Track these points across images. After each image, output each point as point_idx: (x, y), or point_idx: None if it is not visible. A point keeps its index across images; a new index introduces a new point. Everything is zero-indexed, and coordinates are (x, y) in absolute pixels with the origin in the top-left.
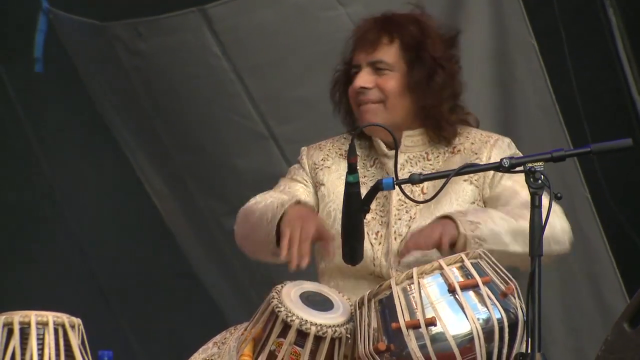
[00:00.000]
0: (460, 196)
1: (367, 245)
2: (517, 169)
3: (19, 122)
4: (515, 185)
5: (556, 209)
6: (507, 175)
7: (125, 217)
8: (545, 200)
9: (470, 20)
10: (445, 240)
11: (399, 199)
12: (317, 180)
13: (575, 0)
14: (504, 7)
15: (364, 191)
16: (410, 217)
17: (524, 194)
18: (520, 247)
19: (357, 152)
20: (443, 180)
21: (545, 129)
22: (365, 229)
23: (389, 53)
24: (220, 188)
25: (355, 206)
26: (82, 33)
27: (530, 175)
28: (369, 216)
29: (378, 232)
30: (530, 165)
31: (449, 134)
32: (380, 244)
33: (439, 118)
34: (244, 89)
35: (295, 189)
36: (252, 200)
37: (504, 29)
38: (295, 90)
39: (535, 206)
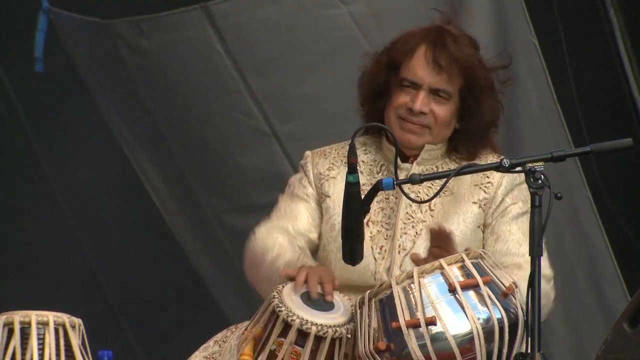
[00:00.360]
0: (467, 217)
1: (370, 259)
2: (517, 168)
3: (18, 121)
4: (519, 234)
5: (547, 274)
6: (513, 214)
7: (126, 216)
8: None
9: (471, 20)
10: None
11: (407, 213)
12: (322, 192)
13: (576, 0)
14: (505, 7)
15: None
16: (416, 232)
17: (524, 250)
18: None
19: (365, 158)
20: (455, 205)
21: (546, 128)
22: (370, 244)
23: (455, 84)
24: (222, 186)
25: (355, 206)
26: (84, 32)
27: (530, 175)
28: (374, 230)
29: (382, 246)
30: (530, 165)
31: (476, 151)
32: (383, 258)
33: (477, 140)
34: (246, 87)
35: (297, 211)
36: (258, 243)
37: (506, 29)
38: (298, 87)
39: (535, 206)
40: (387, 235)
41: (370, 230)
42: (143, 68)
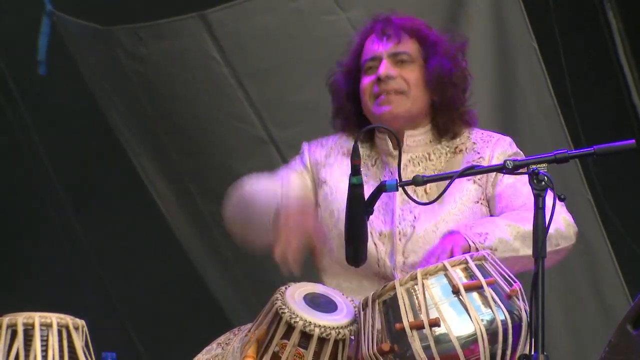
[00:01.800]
0: (464, 195)
1: (371, 245)
2: (521, 170)
3: (23, 124)
4: (516, 182)
5: (558, 202)
6: (506, 175)
7: (130, 219)
8: (548, 200)
9: (471, 23)
10: (458, 250)
11: (403, 199)
12: (318, 178)
13: (575, 3)
14: (504, 10)
15: (366, 190)
16: (414, 216)
17: (525, 191)
18: (530, 249)
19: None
20: (453, 184)
21: (546, 130)
22: (369, 229)
23: (411, 46)
24: (221, 193)
25: (359, 208)
26: (85, 36)
27: (533, 176)
28: (372, 216)
29: (381, 232)
30: (534, 166)
31: (458, 128)
32: (384, 244)
33: (453, 111)
34: (244, 94)
35: (289, 177)
36: (247, 185)
37: (505, 31)
38: (296, 95)
39: (538, 208)
40: (384, 220)
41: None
42: (142, 75)
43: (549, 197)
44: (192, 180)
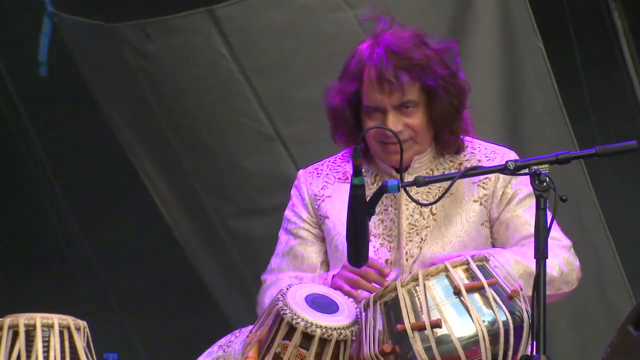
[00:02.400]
0: (470, 217)
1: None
2: (523, 171)
3: (22, 125)
4: (526, 214)
5: (566, 244)
6: (516, 200)
7: (131, 220)
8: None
9: (477, 23)
10: None
11: (409, 223)
12: (319, 214)
13: (581, 3)
14: (511, 10)
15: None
16: (421, 238)
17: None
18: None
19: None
20: (456, 206)
21: (551, 131)
22: (375, 258)
23: (414, 92)
24: (227, 189)
25: (361, 209)
26: (88, 36)
27: (535, 177)
28: (377, 243)
29: (387, 259)
30: (535, 167)
31: (461, 143)
32: (391, 270)
33: (456, 128)
34: (251, 90)
35: (298, 253)
36: (268, 292)
37: (511, 32)
38: (303, 91)
39: (540, 209)
40: (390, 248)
41: (372, 245)
42: (148, 72)
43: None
44: (198, 177)
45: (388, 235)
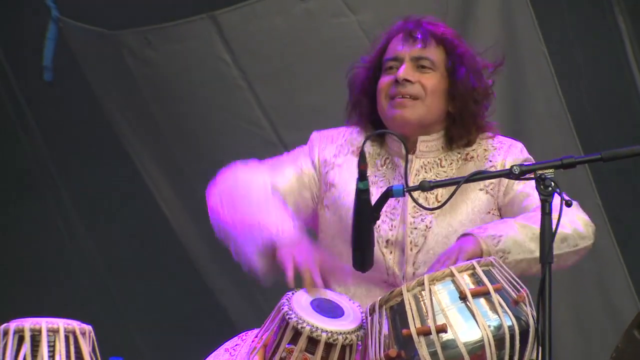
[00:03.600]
0: (476, 205)
1: (378, 253)
2: (528, 175)
3: (29, 129)
4: (526, 187)
5: (573, 202)
6: (518, 182)
7: (136, 225)
8: (555, 200)
9: (480, 27)
10: (462, 257)
11: (414, 206)
12: (326, 180)
13: (585, 7)
14: (514, 15)
15: (373, 190)
16: (426, 225)
17: (537, 195)
18: None
19: (368, 149)
20: (462, 194)
21: (556, 135)
22: (375, 236)
23: (436, 53)
24: None
25: (366, 213)
26: (92, 41)
27: (540, 182)
28: (379, 222)
29: (389, 240)
30: (540, 172)
31: (473, 138)
32: (391, 252)
33: (471, 124)
34: (253, 96)
35: (284, 169)
36: (241, 175)
37: (515, 36)
38: (305, 97)
39: (545, 213)
40: (392, 226)
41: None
42: (150, 78)
43: (558, 199)
44: (199, 184)
45: (391, 213)
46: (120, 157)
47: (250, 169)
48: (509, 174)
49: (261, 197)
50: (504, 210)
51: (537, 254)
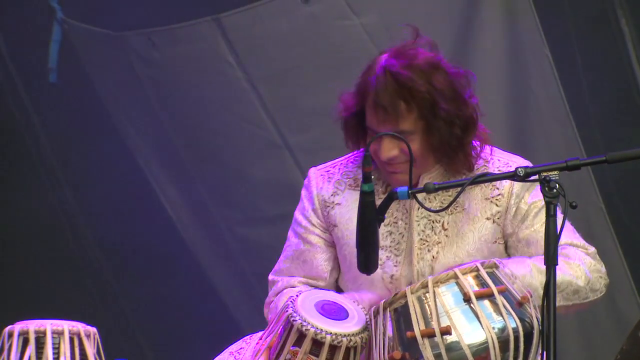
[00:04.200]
0: (483, 234)
1: (384, 290)
2: (532, 178)
3: (34, 131)
4: (536, 234)
5: (591, 251)
6: (533, 214)
7: (140, 226)
8: (560, 221)
9: (484, 31)
10: None
11: (421, 239)
12: (329, 221)
13: (588, 10)
14: (517, 18)
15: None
16: (433, 256)
17: (542, 244)
18: (556, 299)
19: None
20: (469, 222)
21: (559, 138)
22: (380, 272)
23: (409, 121)
24: (234, 197)
25: (370, 215)
26: (97, 43)
27: (545, 184)
28: (383, 256)
29: (393, 275)
30: (545, 174)
31: (471, 162)
32: (396, 287)
33: (460, 154)
34: (258, 98)
35: (307, 257)
36: (281, 295)
37: (518, 40)
38: (310, 99)
39: (550, 215)
40: (396, 262)
41: (380, 257)
42: (155, 80)
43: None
44: (204, 185)
45: (395, 249)
46: (125, 158)
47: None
48: (513, 176)
49: None
50: (514, 244)
51: None
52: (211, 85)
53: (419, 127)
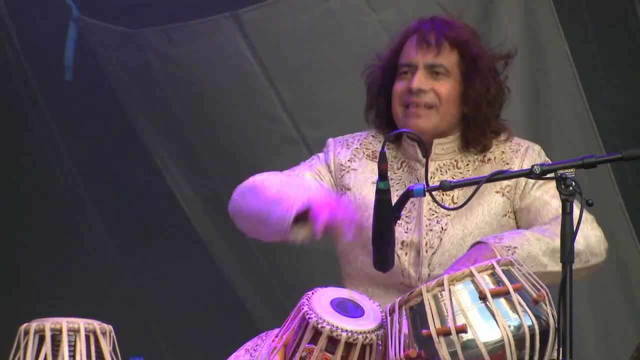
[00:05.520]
0: (492, 207)
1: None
2: (548, 175)
3: (49, 129)
4: (545, 195)
5: (588, 217)
6: (536, 185)
7: (156, 224)
8: (575, 209)
9: (503, 27)
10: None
11: (430, 209)
12: (341, 184)
13: (607, 7)
14: (537, 14)
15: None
16: (442, 227)
17: (555, 204)
18: (559, 265)
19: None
20: (474, 188)
21: (578, 135)
22: None
23: (449, 59)
24: None
25: (386, 213)
26: (113, 40)
27: (561, 181)
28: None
29: (404, 241)
30: (561, 171)
31: (489, 142)
32: (406, 254)
33: (486, 127)
34: (275, 94)
35: (302, 174)
36: (259, 178)
37: (536, 35)
38: (327, 95)
39: (566, 213)
40: (407, 229)
41: None
42: (172, 76)
43: (577, 206)
44: (222, 181)
45: (406, 216)
46: (141, 156)
47: (268, 173)
48: (529, 173)
49: (283, 179)
50: (519, 215)
51: (549, 268)
52: (229, 81)
53: (456, 72)
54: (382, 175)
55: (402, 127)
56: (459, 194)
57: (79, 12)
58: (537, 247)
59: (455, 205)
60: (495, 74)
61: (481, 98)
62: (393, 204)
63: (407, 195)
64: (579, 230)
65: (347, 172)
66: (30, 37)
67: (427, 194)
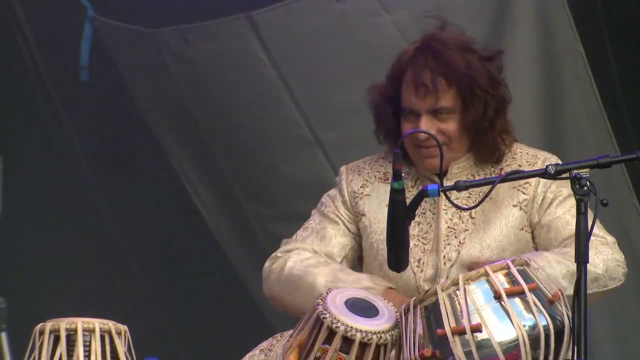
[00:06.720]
0: (510, 221)
1: (409, 273)
2: (563, 175)
3: (65, 129)
4: (567, 215)
5: (609, 240)
6: (556, 202)
7: (171, 225)
8: (591, 223)
9: (516, 27)
10: None
11: (448, 226)
12: (357, 210)
13: (621, 6)
14: (550, 13)
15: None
16: (459, 242)
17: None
18: None
19: None
20: (496, 210)
21: (592, 135)
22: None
23: (449, 98)
24: (266, 194)
25: (401, 213)
26: (129, 41)
27: (575, 181)
28: (410, 243)
29: (420, 259)
30: (576, 171)
31: (502, 149)
32: (422, 271)
33: (495, 136)
34: (290, 95)
35: (325, 233)
36: (290, 262)
37: (551, 35)
38: (341, 96)
39: (580, 213)
40: (424, 249)
41: None
42: (188, 77)
43: (591, 214)
44: (237, 182)
45: (423, 238)
46: (157, 157)
47: (299, 254)
48: (544, 173)
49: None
50: (537, 231)
51: (568, 291)
52: (243, 82)
53: (457, 105)
54: (397, 175)
55: (418, 165)
56: (477, 211)
57: (95, 12)
58: (558, 269)
59: (473, 223)
60: (491, 85)
61: (484, 117)
62: (408, 203)
63: (421, 196)
64: (600, 253)
65: (361, 198)
66: (46, 37)
67: (441, 194)
